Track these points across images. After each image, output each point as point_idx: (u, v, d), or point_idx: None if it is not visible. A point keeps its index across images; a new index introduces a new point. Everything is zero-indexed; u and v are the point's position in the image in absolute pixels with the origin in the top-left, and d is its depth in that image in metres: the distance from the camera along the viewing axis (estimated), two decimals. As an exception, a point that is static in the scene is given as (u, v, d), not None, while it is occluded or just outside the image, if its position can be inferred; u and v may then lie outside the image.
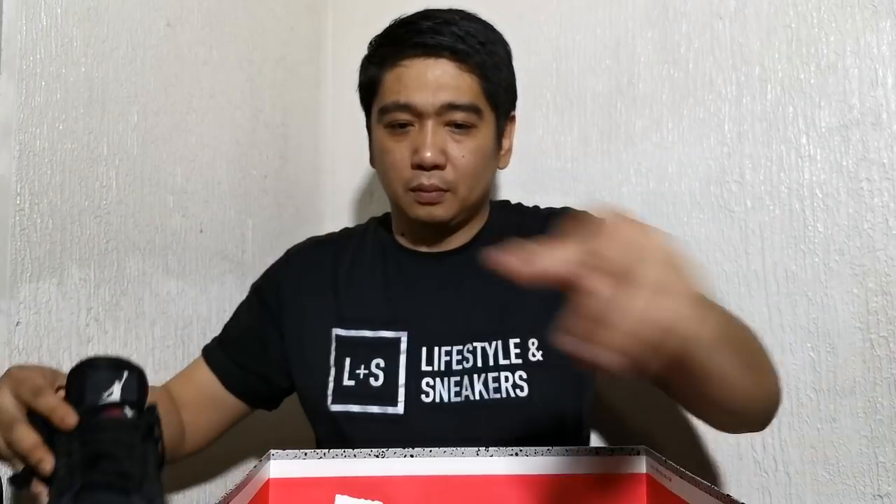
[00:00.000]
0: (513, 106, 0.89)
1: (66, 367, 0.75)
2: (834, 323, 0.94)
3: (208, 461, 0.99)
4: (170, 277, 0.91)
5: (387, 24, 0.85)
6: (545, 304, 0.80)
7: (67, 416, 0.51)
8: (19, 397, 0.54)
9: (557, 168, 1.13)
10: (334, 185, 1.32)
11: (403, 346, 0.83)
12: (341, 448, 0.71)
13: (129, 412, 0.54)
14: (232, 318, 0.93)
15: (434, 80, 0.79)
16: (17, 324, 0.71)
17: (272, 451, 0.66)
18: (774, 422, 0.96)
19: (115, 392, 0.54)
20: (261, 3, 1.13)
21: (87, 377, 0.55)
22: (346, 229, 1.00)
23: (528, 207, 0.95)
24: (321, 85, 1.31)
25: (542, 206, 0.94)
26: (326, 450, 0.67)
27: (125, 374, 0.55)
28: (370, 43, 0.87)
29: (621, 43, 1.11)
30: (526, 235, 0.86)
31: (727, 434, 0.99)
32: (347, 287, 0.88)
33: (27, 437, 0.52)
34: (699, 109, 1.05)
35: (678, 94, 1.06)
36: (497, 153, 0.87)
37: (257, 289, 0.93)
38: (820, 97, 0.97)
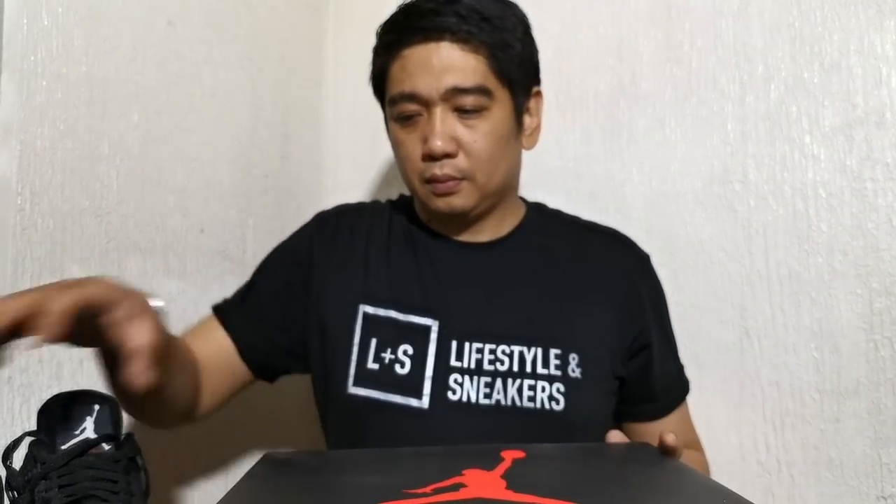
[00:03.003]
0: (534, 81, 0.83)
1: (66, 369, 0.76)
2: (838, 323, 0.94)
3: (208, 461, 0.99)
4: (170, 277, 0.91)
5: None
6: (588, 323, 0.81)
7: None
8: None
9: (559, 167, 1.13)
10: (336, 183, 1.31)
11: (433, 335, 0.78)
12: (354, 440, 0.68)
13: (106, 447, 0.53)
14: (252, 282, 0.88)
15: (438, 64, 0.75)
16: (18, 324, 0.71)
17: (268, 453, 0.66)
18: (778, 423, 0.96)
19: (89, 428, 0.53)
20: (262, 1, 1.12)
21: (57, 415, 0.53)
22: (376, 201, 0.95)
23: (567, 216, 0.92)
24: (322, 84, 1.31)
25: (582, 218, 0.91)
26: (322, 451, 0.66)
27: (96, 408, 0.54)
28: (376, 31, 0.83)
29: (624, 41, 1.10)
30: (567, 247, 0.86)
31: (730, 435, 0.99)
32: (378, 264, 0.83)
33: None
34: (702, 108, 1.04)
35: (681, 92, 1.06)
36: (517, 134, 0.81)
37: (283, 250, 0.88)
38: (824, 96, 0.97)
